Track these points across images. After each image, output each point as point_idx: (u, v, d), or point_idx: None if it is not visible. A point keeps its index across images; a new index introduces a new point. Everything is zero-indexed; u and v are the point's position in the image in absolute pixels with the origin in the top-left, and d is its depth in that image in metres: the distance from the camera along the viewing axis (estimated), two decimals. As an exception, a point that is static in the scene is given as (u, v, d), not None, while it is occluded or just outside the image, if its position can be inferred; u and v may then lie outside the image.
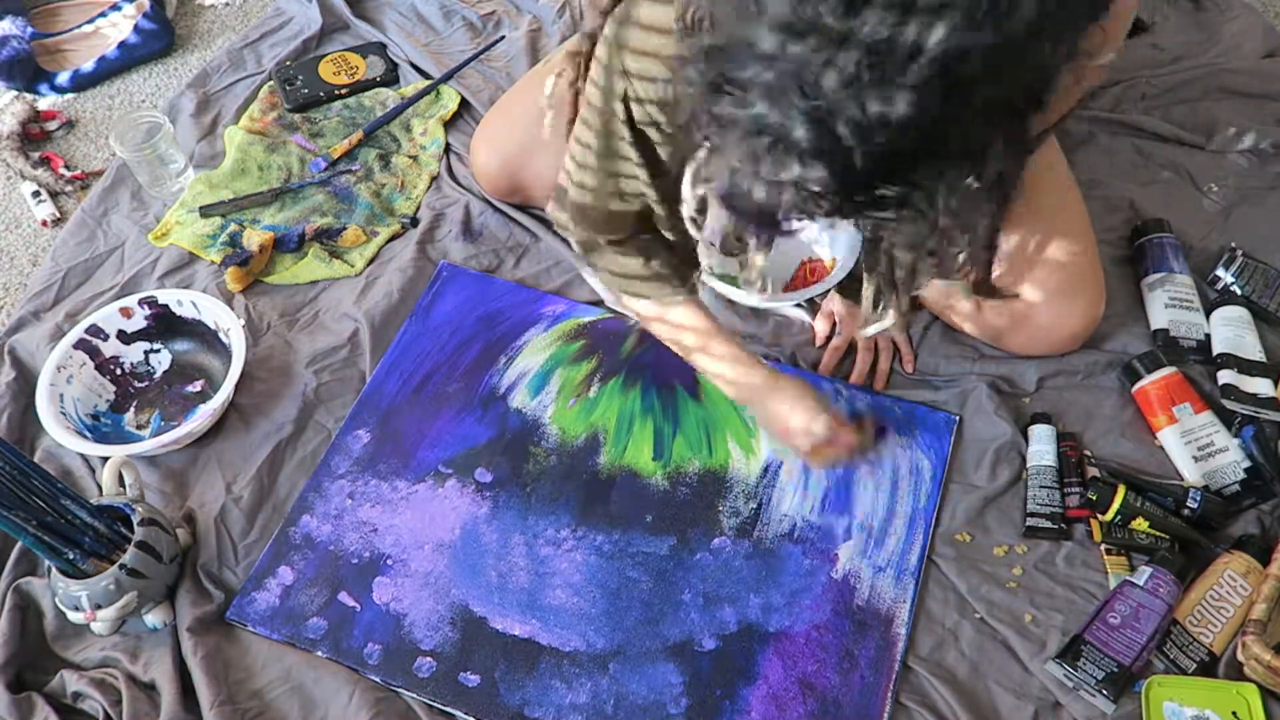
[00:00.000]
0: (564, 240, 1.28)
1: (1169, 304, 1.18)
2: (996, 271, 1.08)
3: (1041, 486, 1.06)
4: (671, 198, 0.89)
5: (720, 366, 1.05)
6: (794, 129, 0.55)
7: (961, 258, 0.69)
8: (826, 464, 1.08)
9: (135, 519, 0.97)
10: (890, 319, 0.84)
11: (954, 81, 0.52)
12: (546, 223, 1.31)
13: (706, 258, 0.95)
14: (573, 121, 0.98)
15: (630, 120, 0.88)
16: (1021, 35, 0.53)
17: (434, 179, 1.37)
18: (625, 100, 0.86)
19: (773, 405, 1.05)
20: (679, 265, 1.02)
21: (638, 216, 0.97)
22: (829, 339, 1.19)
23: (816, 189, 0.57)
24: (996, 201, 0.63)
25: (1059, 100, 0.60)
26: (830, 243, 1.18)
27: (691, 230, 0.77)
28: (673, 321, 1.05)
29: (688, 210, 0.75)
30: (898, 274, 0.77)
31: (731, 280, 1.23)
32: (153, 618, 0.98)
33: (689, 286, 1.02)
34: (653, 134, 0.88)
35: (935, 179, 0.58)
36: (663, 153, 0.89)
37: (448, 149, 1.41)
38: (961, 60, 0.52)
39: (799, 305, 1.22)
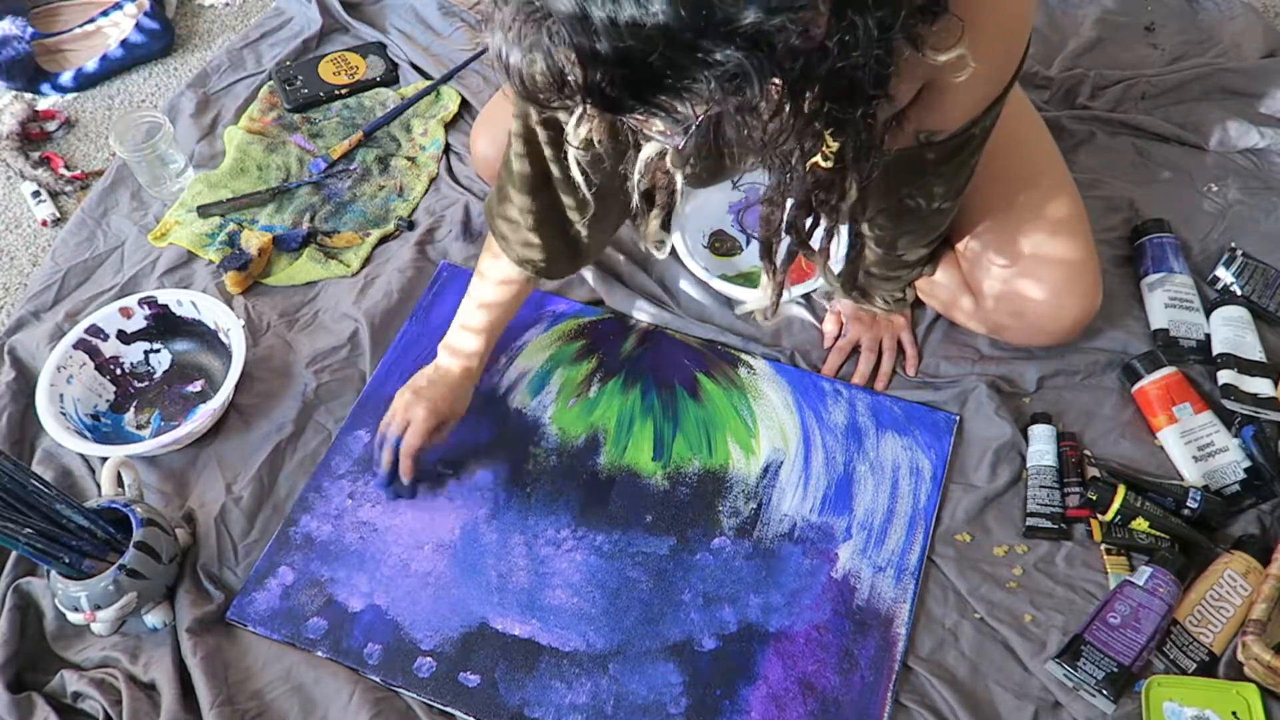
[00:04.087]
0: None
1: (1169, 304, 1.18)
2: (999, 266, 1.08)
3: (1041, 486, 1.06)
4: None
5: (473, 299, 1.08)
6: (559, 5, 0.56)
7: (819, 233, 0.77)
8: (385, 415, 1.10)
9: (134, 519, 0.97)
10: (767, 299, 0.87)
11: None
12: (546, 223, 1.31)
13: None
14: None
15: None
16: None
17: (432, 180, 1.37)
18: None
19: (426, 375, 1.09)
20: (557, 246, 1.03)
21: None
22: (837, 339, 1.19)
23: (570, 74, 0.58)
24: (834, 175, 0.66)
25: (943, 101, 0.62)
26: None
27: (574, 167, 0.81)
28: (489, 274, 1.07)
29: (573, 138, 0.77)
30: (776, 250, 0.82)
31: (732, 280, 1.23)
32: (153, 618, 0.98)
33: (534, 267, 1.04)
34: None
35: (684, 101, 0.59)
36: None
37: (447, 149, 1.41)
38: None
39: (796, 302, 1.23)
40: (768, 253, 0.86)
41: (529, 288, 1.10)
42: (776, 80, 0.60)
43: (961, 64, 0.69)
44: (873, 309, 1.15)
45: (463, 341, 1.08)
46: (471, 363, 1.09)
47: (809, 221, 0.82)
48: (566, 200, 0.98)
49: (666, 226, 1.07)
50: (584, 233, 1.02)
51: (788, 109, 0.63)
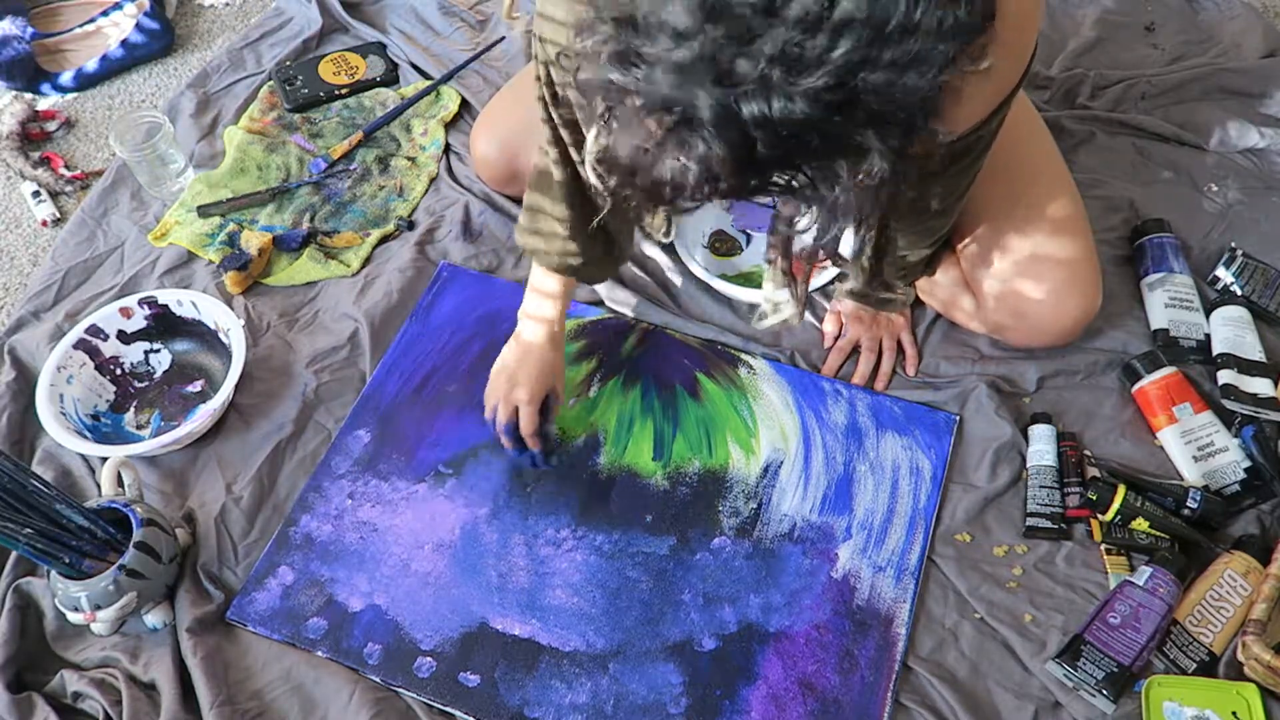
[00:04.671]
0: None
1: (1169, 304, 1.18)
2: (999, 266, 1.09)
3: (1041, 486, 1.06)
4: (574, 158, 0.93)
5: (531, 295, 1.08)
6: (701, 110, 0.56)
7: (850, 246, 0.75)
8: (487, 406, 1.10)
9: (134, 519, 0.97)
10: (789, 310, 0.87)
11: (851, 89, 0.56)
12: (546, 223, 1.31)
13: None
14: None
15: (550, 82, 0.90)
16: (909, 59, 0.56)
17: (432, 180, 1.37)
18: (546, 66, 0.89)
19: (513, 351, 1.08)
20: (592, 245, 1.03)
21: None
22: (837, 339, 1.19)
23: (716, 170, 0.59)
24: (883, 197, 0.66)
25: (956, 106, 0.63)
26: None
27: (593, 179, 0.79)
28: (539, 284, 1.07)
29: (590, 159, 0.76)
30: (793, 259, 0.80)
31: (732, 279, 1.23)
32: (153, 618, 0.98)
33: (590, 269, 1.04)
34: (572, 95, 0.89)
35: (824, 172, 0.61)
36: (580, 115, 0.91)
37: (447, 149, 1.41)
38: (860, 72, 0.55)
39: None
40: (787, 264, 0.85)
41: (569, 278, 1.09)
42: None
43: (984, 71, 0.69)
44: (875, 307, 1.14)
45: (540, 316, 1.08)
46: (554, 331, 1.08)
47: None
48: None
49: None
50: (620, 236, 1.03)
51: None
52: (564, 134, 0.93)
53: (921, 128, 0.61)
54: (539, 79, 0.91)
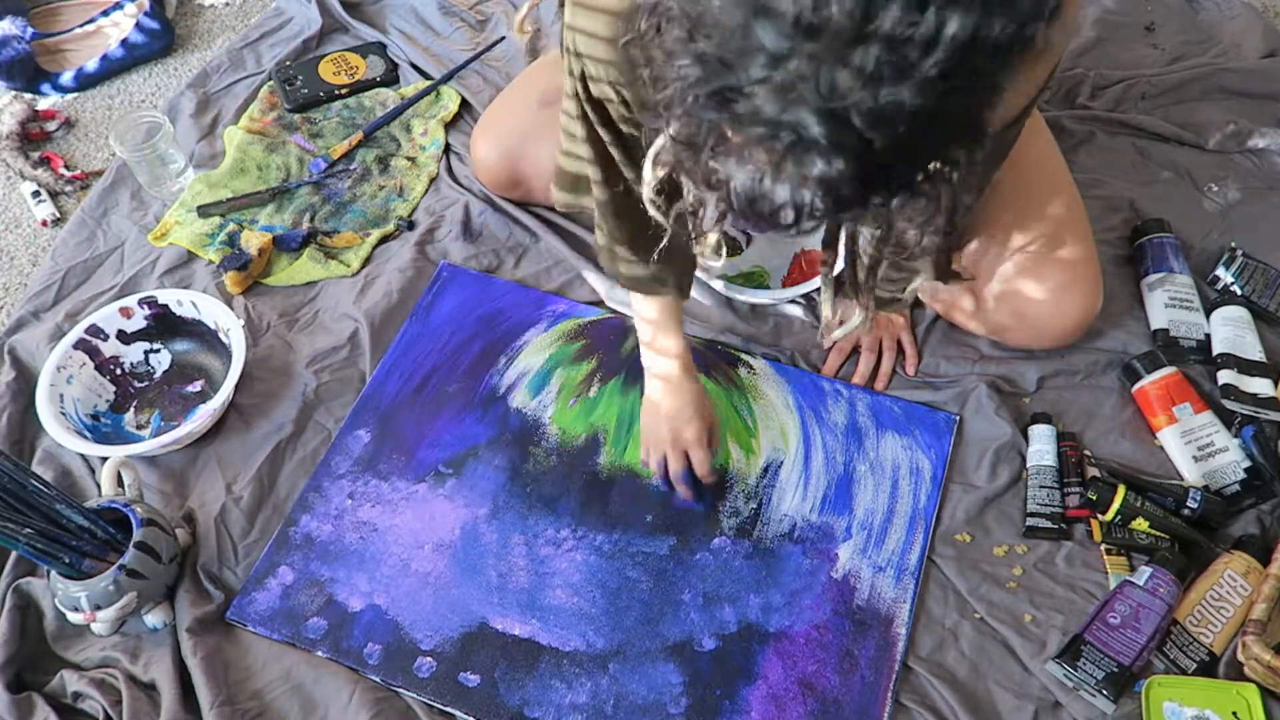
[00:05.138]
0: (564, 239, 1.29)
1: (1169, 304, 1.18)
2: (1000, 267, 1.08)
3: (1041, 486, 1.06)
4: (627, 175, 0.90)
5: (644, 327, 1.06)
6: (810, 126, 0.54)
7: (929, 243, 0.69)
8: (652, 458, 1.08)
9: (134, 519, 0.97)
10: (859, 319, 0.84)
11: (967, 68, 0.53)
12: (547, 222, 1.31)
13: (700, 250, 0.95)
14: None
15: (589, 97, 0.87)
16: (1024, 20, 0.54)
17: (432, 180, 1.37)
18: (583, 79, 0.86)
19: (656, 393, 1.06)
20: (668, 263, 1.01)
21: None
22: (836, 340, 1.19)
23: (839, 186, 0.57)
24: (971, 186, 0.64)
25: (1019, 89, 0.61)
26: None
27: (651, 211, 0.77)
28: (641, 312, 1.06)
29: (647, 191, 0.75)
30: (860, 273, 0.77)
31: (732, 280, 1.23)
32: (153, 618, 0.98)
33: (672, 285, 1.01)
34: (611, 111, 0.87)
35: (946, 163, 0.59)
36: (624, 127, 0.88)
37: (447, 149, 1.41)
38: (974, 47, 0.53)
39: (796, 302, 1.23)
40: (852, 278, 0.81)
41: (678, 295, 1.06)
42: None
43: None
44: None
45: (664, 350, 1.06)
46: (685, 360, 1.06)
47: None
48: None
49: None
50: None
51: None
52: (614, 153, 0.90)
53: (998, 104, 0.59)
54: (577, 97, 0.87)
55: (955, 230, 0.69)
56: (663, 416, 1.07)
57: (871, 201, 0.59)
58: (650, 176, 0.71)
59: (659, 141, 0.67)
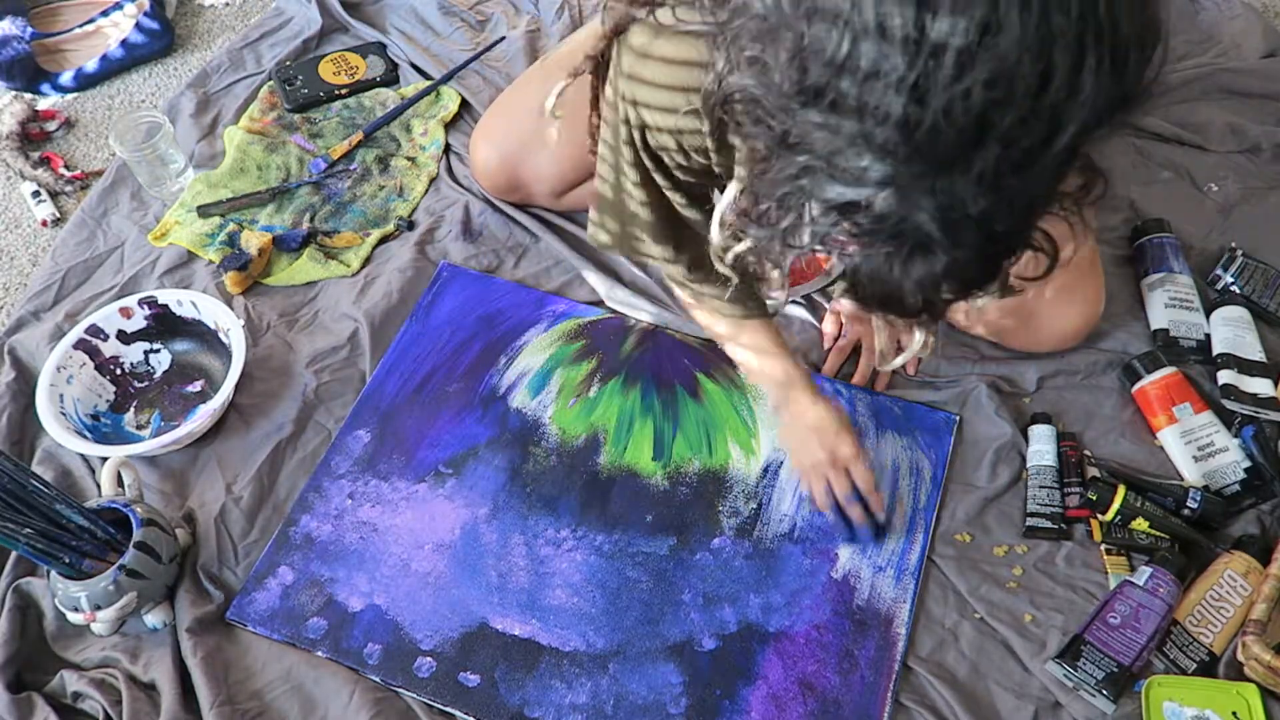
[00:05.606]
0: (564, 239, 1.29)
1: (1169, 304, 1.18)
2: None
3: (1041, 486, 1.06)
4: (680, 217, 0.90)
5: (745, 355, 1.05)
6: (928, 227, 0.54)
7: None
8: (815, 486, 1.05)
9: (134, 519, 0.97)
10: (918, 343, 0.83)
11: (1077, 148, 0.54)
12: (546, 222, 1.31)
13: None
14: (589, 128, 0.98)
15: (645, 146, 0.86)
16: (1134, 85, 0.53)
17: (432, 180, 1.37)
18: (641, 129, 0.85)
19: (790, 414, 1.04)
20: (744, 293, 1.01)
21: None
22: (837, 340, 1.19)
23: (964, 271, 0.58)
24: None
25: None
26: None
27: (717, 264, 0.76)
28: (738, 336, 1.05)
29: (715, 249, 0.74)
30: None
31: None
32: (153, 618, 0.98)
33: (755, 309, 1.01)
34: (667, 159, 0.86)
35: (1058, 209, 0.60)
36: (680, 175, 0.88)
37: (447, 149, 1.41)
38: (1089, 131, 0.52)
39: (796, 302, 1.23)
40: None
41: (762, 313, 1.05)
42: None
43: None
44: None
45: (771, 365, 1.04)
46: (802, 374, 1.04)
47: None
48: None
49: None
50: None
51: None
52: (673, 196, 0.89)
53: None
54: (633, 144, 0.86)
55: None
56: (806, 434, 1.03)
57: (998, 274, 0.61)
58: (719, 237, 0.72)
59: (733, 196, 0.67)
